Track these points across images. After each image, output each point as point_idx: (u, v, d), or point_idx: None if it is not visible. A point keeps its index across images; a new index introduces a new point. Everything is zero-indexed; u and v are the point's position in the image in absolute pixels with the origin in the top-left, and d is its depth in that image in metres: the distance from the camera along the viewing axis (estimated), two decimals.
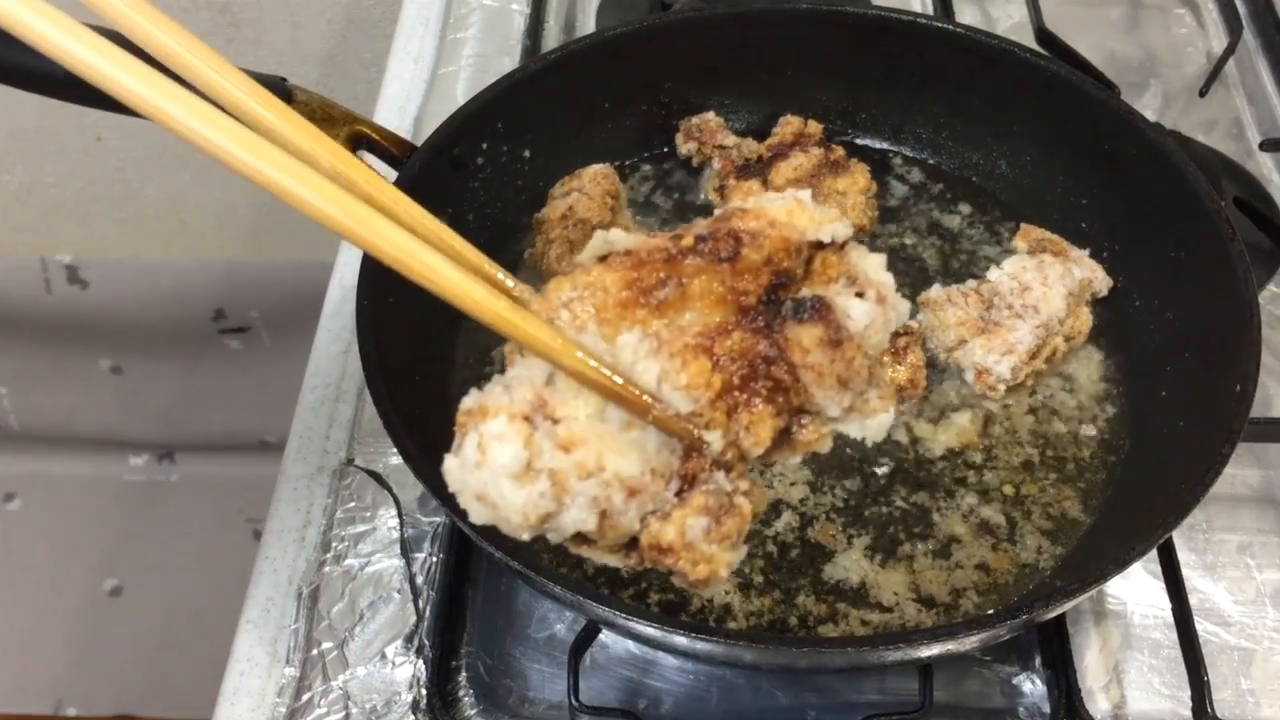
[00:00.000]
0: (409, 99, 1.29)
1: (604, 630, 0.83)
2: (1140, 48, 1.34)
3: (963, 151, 1.09)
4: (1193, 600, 0.86)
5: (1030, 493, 0.88)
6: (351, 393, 1.04)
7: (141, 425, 2.27)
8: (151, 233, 2.09)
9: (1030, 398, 0.94)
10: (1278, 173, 1.20)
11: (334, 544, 0.93)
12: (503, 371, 0.61)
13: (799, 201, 0.63)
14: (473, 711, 0.86)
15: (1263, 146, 1.21)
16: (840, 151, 1.05)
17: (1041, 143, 1.03)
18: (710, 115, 1.10)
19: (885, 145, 1.11)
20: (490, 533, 0.60)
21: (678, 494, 0.60)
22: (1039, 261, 0.97)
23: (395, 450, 0.84)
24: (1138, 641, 0.88)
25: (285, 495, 0.98)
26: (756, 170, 1.05)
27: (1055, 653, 0.85)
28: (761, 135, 1.09)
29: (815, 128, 1.07)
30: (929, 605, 0.83)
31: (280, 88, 0.89)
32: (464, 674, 0.87)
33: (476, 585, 0.92)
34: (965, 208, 1.07)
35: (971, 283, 0.98)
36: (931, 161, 1.10)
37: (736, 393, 0.60)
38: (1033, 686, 0.85)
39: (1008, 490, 0.89)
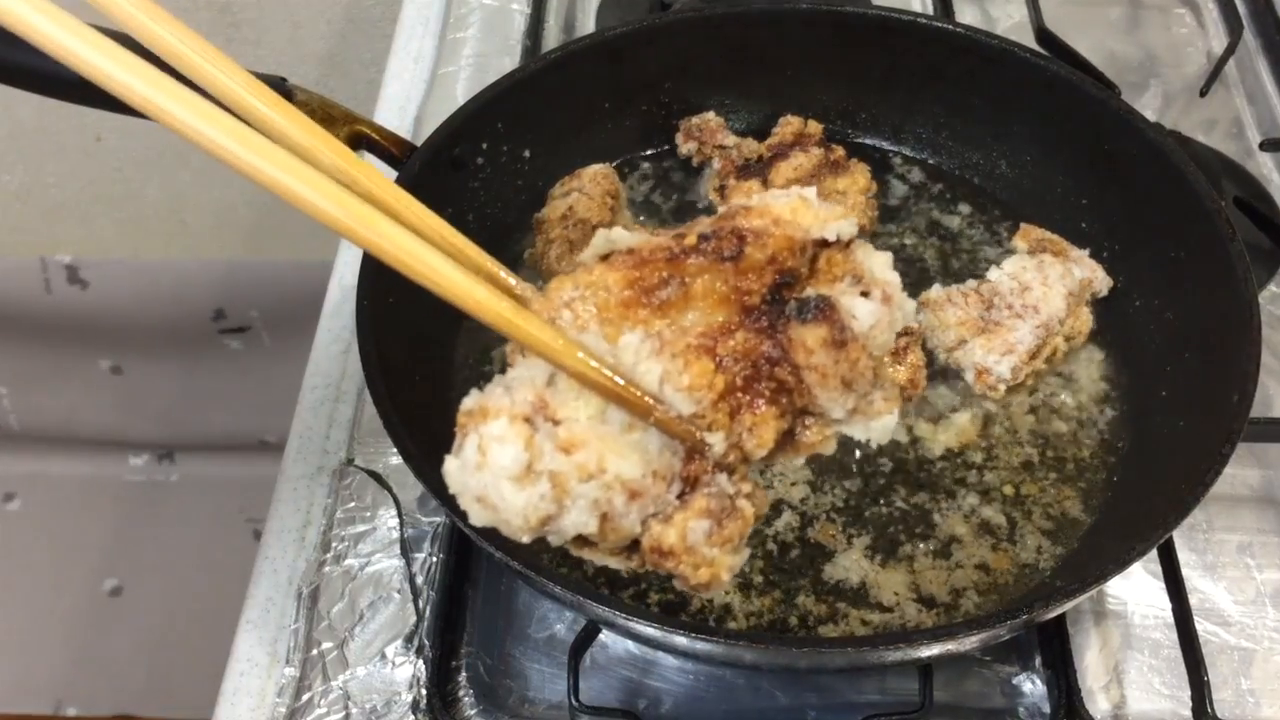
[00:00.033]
0: (409, 99, 1.29)
1: (604, 630, 0.83)
2: (1140, 48, 1.34)
3: (963, 151, 1.09)
4: (1193, 600, 0.86)
5: (1030, 493, 0.88)
6: (351, 393, 1.04)
7: (141, 425, 2.27)
8: (151, 233, 2.09)
9: (1030, 398, 0.94)
10: (1278, 173, 1.20)
11: (334, 544, 0.93)
12: (503, 371, 0.61)
13: (804, 199, 0.63)
14: (473, 711, 0.86)
15: (1263, 146, 1.21)
16: (840, 151, 1.05)
17: (1041, 143, 1.03)
18: (710, 115, 1.10)
19: (885, 145, 1.11)
20: (490, 533, 0.60)
21: (679, 496, 0.60)
22: (1039, 261, 0.97)
23: (395, 450, 0.84)
24: (1138, 641, 0.88)
25: (285, 495, 0.98)
26: (756, 170, 1.05)
27: (1055, 653, 0.85)
28: (761, 135, 1.09)
29: (815, 128, 1.07)
30: (929, 605, 0.83)
31: (280, 88, 0.89)
32: (464, 674, 0.87)
33: (476, 585, 0.92)
34: (965, 208, 1.07)
35: (971, 283, 0.98)
36: (931, 161, 1.10)
37: (739, 394, 0.59)
38: (1033, 686, 0.85)
39: (1008, 490, 0.89)
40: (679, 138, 1.10)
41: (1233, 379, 0.79)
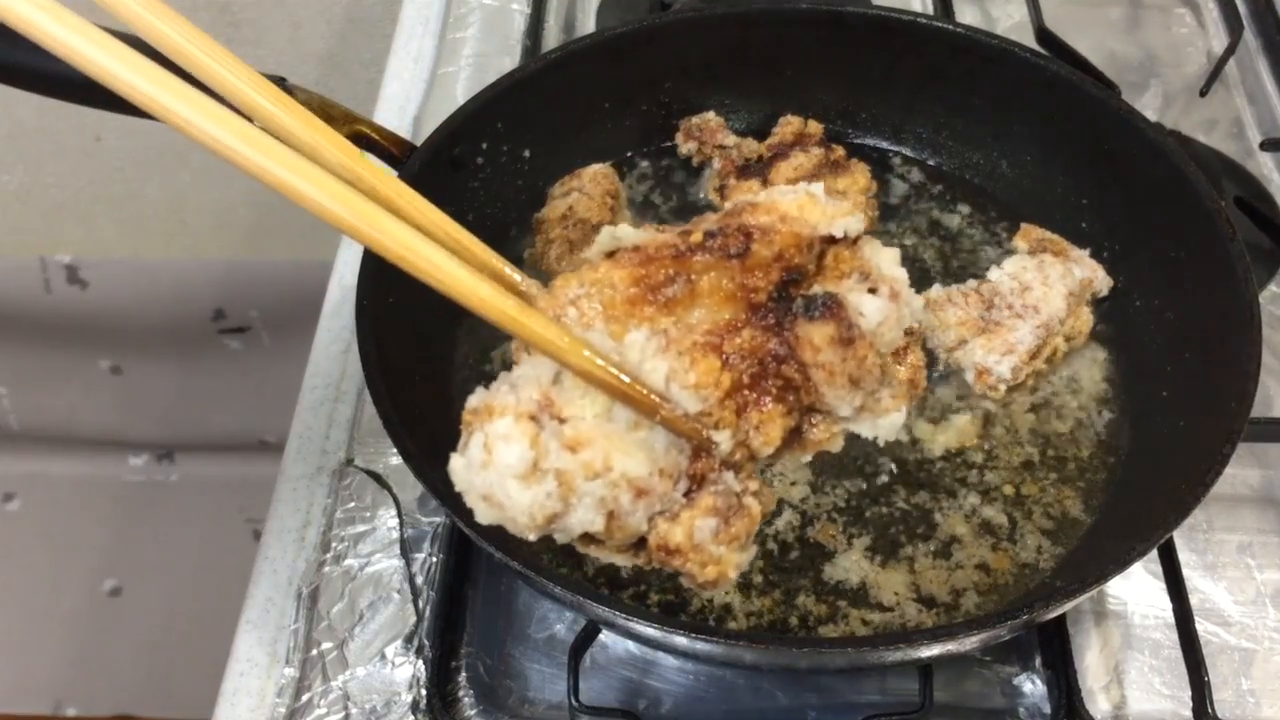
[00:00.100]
0: (409, 99, 1.29)
1: (604, 630, 0.83)
2: (1141, 47, 1.34)
3: (963, 151, 1.09)
4: (1193, 600, 0.86)
5: (1031, 493, 0.88)
6: (351, 393, 1.04)
7: (141, 425, 2.27)
8: (151, 232, 2.09)
9: (1031, 397, 0.94)
10: (1278, 173, 1.20)
11: (334, 544, 0.93)
12: (504, 370, 0.61)
13: (811, 195, 0.63)
14: (472, 712, 0.86)
15: (1263, 146, 1.21)
16: (840, 151, 1.05)
17: (1042, 143, 1.03)
18: (710, 115, 1.10)
19: (885, 145, 1.11)
20: (491, 532, 0.60)
21: (686, 494, 0.60)
22: (1039, 261, 0.97)
23: (395, 450, 0.84)
24: (1138, 641, 0.88)
25: (285, 495, 0.98)
26: (756, 170, 1.05)
27: (1056, 653, 0.85)
28: (761, 135, 1.09)
29: (815, 127, 1.07)
30: (929, 605, 0.83)
31: (280, 87, 0.89)
32: (464, 674, 0.87)
33: (476, 585, 0.92)
34: (965, 208, 1.07)
35: (972, 283, 0.98)
36: (931, 161, 1.10)
37: (746, 391, 0.59)
38: (1033, 687, 0.85)
39: (1008, 490, 0.89)
40: (679, 138, 1.10)
41: (1233, 379, 0.79)
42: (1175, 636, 0.84)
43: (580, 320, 0.59)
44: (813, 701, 0.85)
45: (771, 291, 0.60)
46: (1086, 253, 0.98)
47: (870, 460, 0.90)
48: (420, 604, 0.89)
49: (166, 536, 2.26)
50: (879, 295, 0.61)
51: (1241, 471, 0.97)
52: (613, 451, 0.57)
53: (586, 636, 0.82)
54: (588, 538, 0.60)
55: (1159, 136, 0.94)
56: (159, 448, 2.30)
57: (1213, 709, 0.80)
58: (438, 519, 0.94)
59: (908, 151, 1.11)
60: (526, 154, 1.03)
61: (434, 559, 0.92)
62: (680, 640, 0.71)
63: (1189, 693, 0.81)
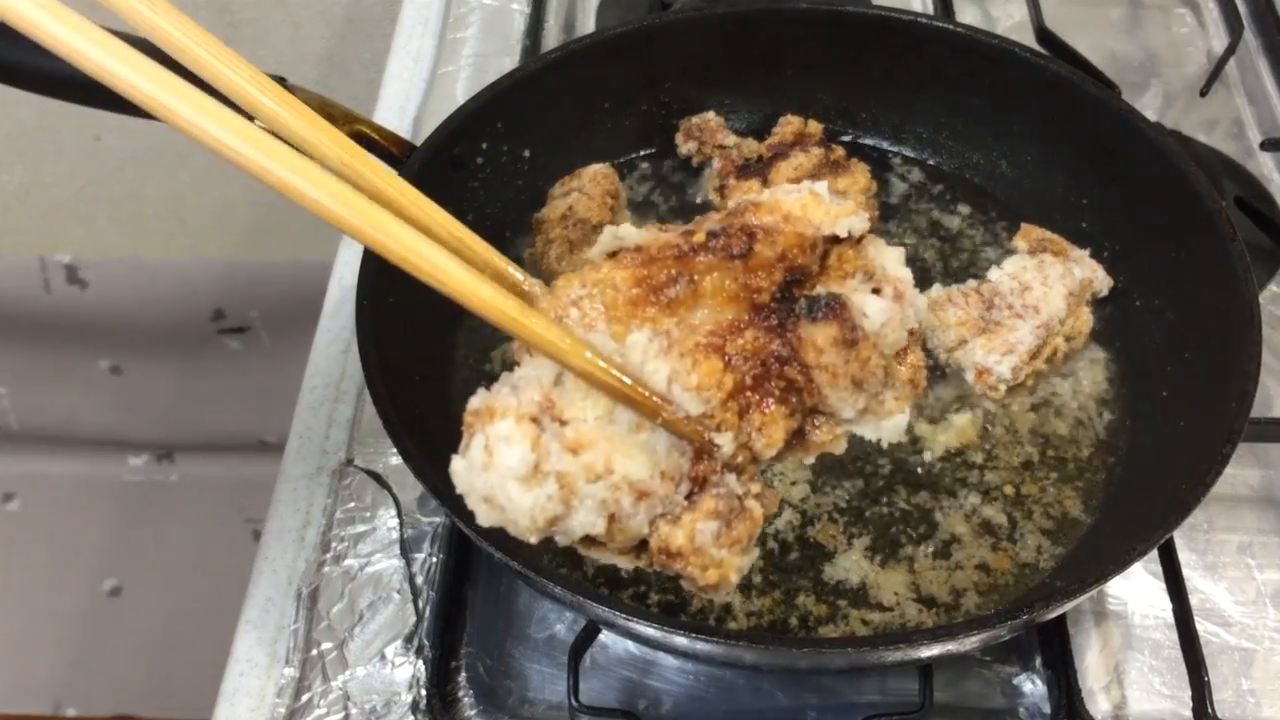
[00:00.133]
0: (408, 99, 1.29)
1: (604, 631, 0.83)
2: (1141, 47, 1.34)
3: (963, 151, 1.09)
4: (1193, 600, 0.86)
5: (1031, 493, 0.88)
6: (351, 393, 1.04)
7: (141, 425, 2.27)
8: (151, 232, 2.09)
9: (1031, 397, 0.94)
10: (1278, 172, 1.20)
11: (334, 544, 0.93)
12: (503, 370, 0.61)
13: (814, 194, 0.62)
14: (472, 712, 0.85)
15: (1263, 146, 1.21)
16: (840, 151, 1.05)
17: (1042, 142, 1.03)
18: (710, 115, 1.10)
19: (885, 145, 1.11)
20: (491, 533, 0.60)
21: (688, 497, 0.59)
22: (1039, 261, 0.97)
23: (395, 450, 0.84)
24: (1138, 642, 0.88)
25: (285, 495, 0.98)
26: (756, 170, 1.05)
27: (1056, 653, 0.85)
28: (761, 135, 1.08)
29: (815, 127, 1.07)
30: (929, 605, 0.83)
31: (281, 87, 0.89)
32: (464, 674, 0.87)
33: (476, 585, 0.92)
34: (965, 208, 1.07)
35: (972, 283, 0.98)
36: (932, 161, 1.10)
37: (749, 393, 0.59)
38: (1033, 687, 0.85)
39: (1008, 490, 0.89)
40: (679, 138, 1.10)
41: (1233, 379, 0.79)
42: (1175, 636, 0.84)
43: (582, 321, 0.59)
44: (813, 702, 0.85)
45: (774, 292, 0.60)
46: (1086, 253, 0.98)
47: (870, 460, 0.90)
48: (420, 604, 0.89)
49: (166, 536, 2.26)
50: (883, 296, 0.61)
51: (1242, 471, 0.97)
52: (614, 454, 0.56)
53: (586, 636, 0.82)
54: (589, 540, 0.60)
55: (1159, 136, 0.93)
56: (159, 448, 2.30)
57: (1213, 709, 0.80)
58: (438, 519, 0.94)
59: (908, 151, 1.11)
60: (526, 154, 1.03)
61: (434, 559, 0.92)
62: (680, 640, 0.71)
63: (1189, 693, 0.81)
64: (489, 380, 0.94)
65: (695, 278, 0.60)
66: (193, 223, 2.08)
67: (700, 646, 0.73)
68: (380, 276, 0.84)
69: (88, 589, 2.22)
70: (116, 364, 2.22)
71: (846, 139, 1.11)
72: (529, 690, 0.86)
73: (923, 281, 1.00)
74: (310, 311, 1.12)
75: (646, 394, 0.57)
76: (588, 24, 1.36)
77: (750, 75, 1.09)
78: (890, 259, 0.63)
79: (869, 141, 1.12)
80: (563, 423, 0.57)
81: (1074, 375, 0.95)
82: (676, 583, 0.63)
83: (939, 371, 0.95)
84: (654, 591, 0.83)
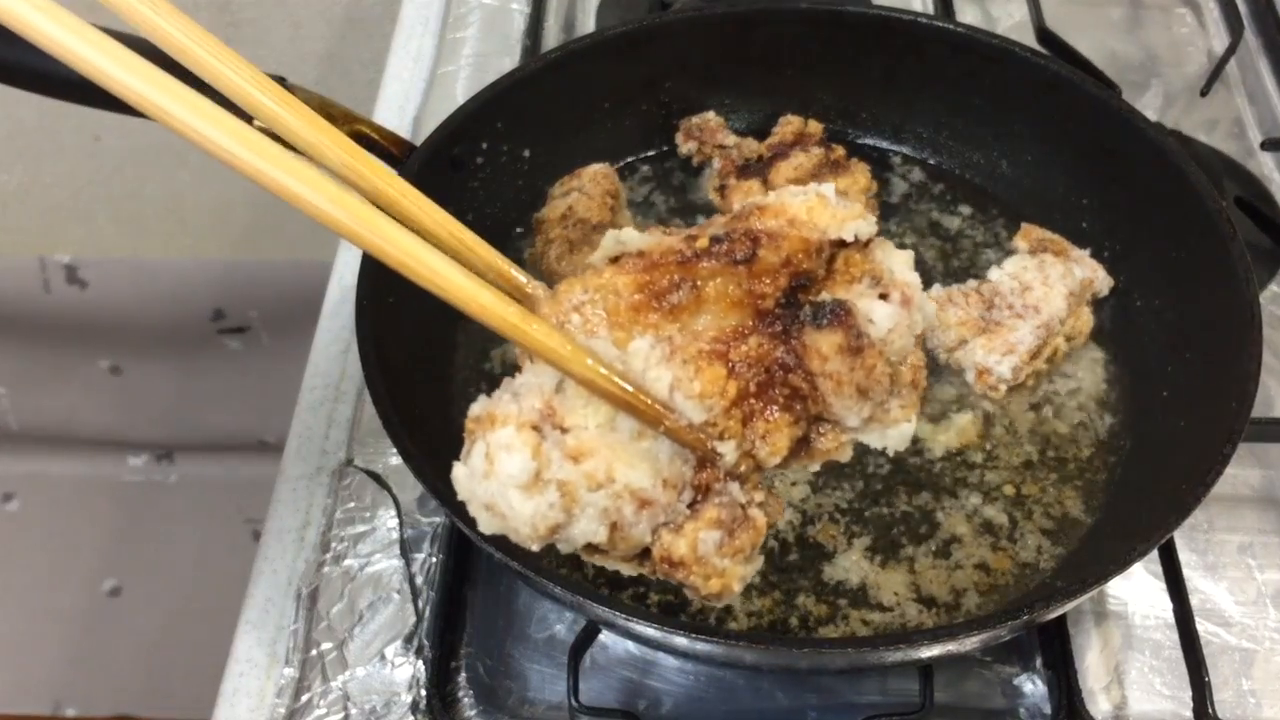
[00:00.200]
0: (408, 98, 1.29)
1: (604, 631, 0.83)
2: (1141, 47, 1.34)
3: (963, 151, 1.09)
4: (1194, 601, 0.86)
5: (1031, 493, 0.88)
6: (351, 393, 1.04)
7: (140, 425, 2.26)
8: (150, 232, 2.09)
9: (1031, 397, 0.94)
10: (1279, 172, 1.20)
11: (333, 544, 0.93)
12: (505, 372, 0.61)
13: (821, 197, 0.61)
14: (472, 712, 0.85)
15: (1264, 146, 1.21)
16: (840, 151, 1.05)
17: (1042, 142, 1.03)
18: (710, 115, 1.10)
19: (886, 145, 1.11)
20: (491, 535, 0.59)
21: (690, 505, 0.59)
22: (1040, 261, 0.97)
23: (395, 450, 0.83)
24: (1139, 642, 0.88)
25: (284, 496, 0.97)
26: (757, 170, 1.05)
27: (1056, 653, 0.85)
28: (762, 135, 1.08)
29: (815, 127, 1.07)
30: (929, 606, 0.83)
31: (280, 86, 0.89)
32: (463, 675, 0.87)
33: (476, 586, 0.91)
34: (966, 208, 1.07)
35: (972, 283, 0.98)
36: (932, 161, 1.10)
37: (752, 400, 0.58)
38: (1033, 687, 0.85)
39: (1008, 490, 0.89)
40: (679, 138, 1.10)
41: (1234, 379, 0.79)
42: (1176, 637, 0.84)
43: (584, 327, 0.59)
44: (813, 702, 0.85)
45: (779, 298, 0.59)
46: (1087, 252, 0.98)
47: (870, 460, 0.90)
48: (420, 604, 0.89)
49: (166, 536, 2.26)
50: (890, 301, 0.60)
51: (1242, 472, 0.97)
52: (616, 462, 0.56)
53: (586, 637, 0.82)
54: (591, 548, 0.59)
55: (1160, 136, 0.93)
56: (158, 448, 2.30)
57: (1213, 709, 0.80)
58: (437, 519, 0.94)
59: (908, 151, 1.11)
60: (526, 154, 1.03)
61: (434, 559, 0.92)
62: (680, 640, 0.71)
63: (1189, 693, 0.81)
64: (489, 380, 0.94)
65: (698, 283, 0.59)
66: (192, 223, 2.08)
67: (700, 647, 0.73)
68: (380, 276, 0.84)
69: (87, 589, 2.22)
70: (116, 364, 2.22)
71: (846, 139, 1.11)
72: (529, 690, 0.86)
73: (923, 281, 1.00)
74: (310, 311, 1.12)
75: (648, 402, 0.57)
76: (588, 24, 1.36)
77: (750, 75, 1.09)
78: (898, 263, 0.62)
79: (869, 141, 1.12)
80: (564, 430, 0.56)
81: (1074, 375, 0.95)
82: None
83: (939, 371, 0.95)
84: (654, 592, 0.83)
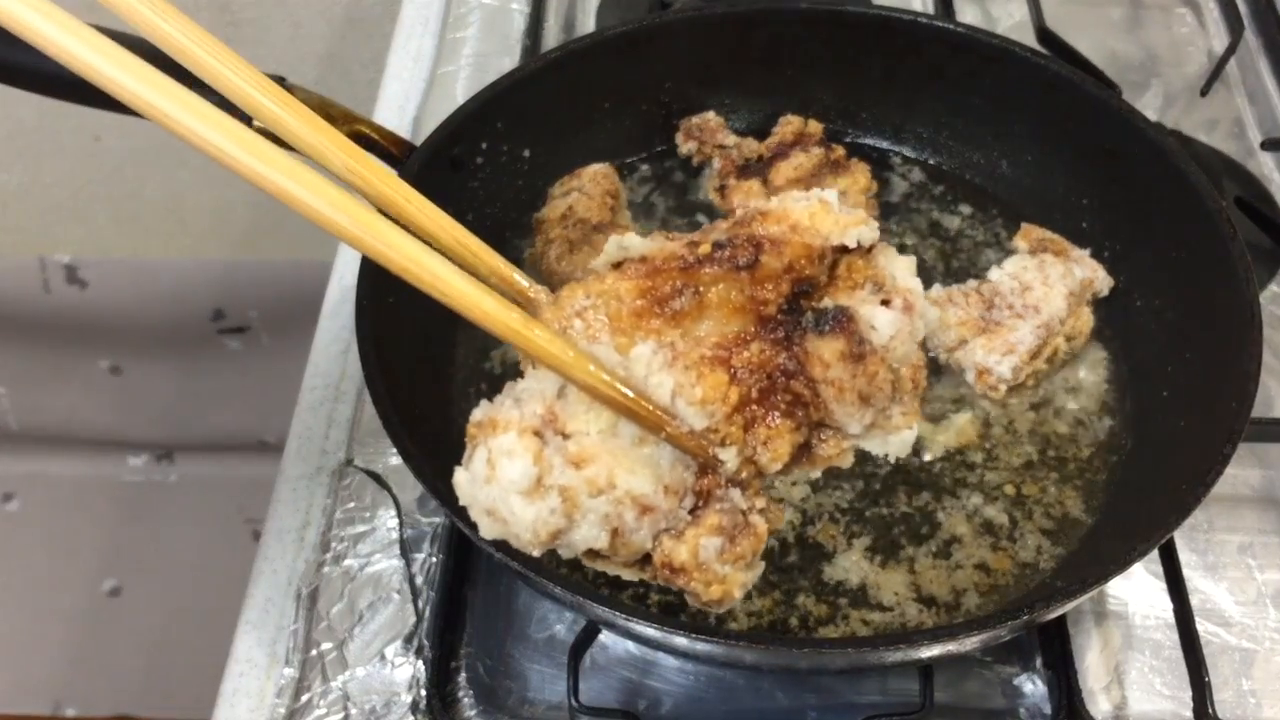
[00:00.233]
0: (408, 98, 1.29)
1: (604, 631, 0.83)
2: (1141, 47, 1.34)
3: (963, 151, 1.09)
4: (1194, 601, 0.86)
5: (1031, 493, 0.88)
6: (351, 393, 1.04)
7: (140, 425, 2.26)
8: (150, 232, 2.09)
9: (1031, 397, 0.94)
10: (1279, 172, 1.20)
11: (333, 544, 0.93)
12: (503, 371, 0.61)
13: (824, 203, 0.61)
14: (472, 712, 0.85)
15: (1264, 146, 1.21)
16: (840, 151, 1.05)
17: (1042, 142, 1.03)
18: (710, 115, 1.10)
19: (886, 145, 1.11)
20: (498, 541, 0.59)
21: (692, 511, 0.59)
22: (1040, 261, 0.97)
23: (395, 450, 0.83)
24: (1139, 642, 0.88)
25: (284, 496, 0.97)
26: (757, 170, 1.05)
27: (1056, 653, 0.85)
28: (762, 135, 1.08)
29: (816, 127, 1.07)
30: (930, 606, 0.83)
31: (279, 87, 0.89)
32: (463, 675, 0.87)
33: (476, 586, 0.91)
34: (966, 207, 1.07)
35: (972, 283, 0.98)
36: (932, 161, 1.10)
37: (754, 407, 0.58)
38: (1034, 687, 0.85)
39: (1008, 490, 0.88)
40: (679, 138, 1.09)
41: (1234, 379, 0.79)
42: (1176, 637, 0.84)
43: (586, 332, 0.59)
44: (813, 702, 0.85)
45: (781, 304, 0.59)
46: (1087, 252, 0.98)
47: (870, 460, 0.90)
48: (420, 604, 0.89)
49: (166, 536, 2.26)
50: (892, 307, 0.60)
51: (1242, 472, 0.97)
52: (617, 468, 0.56)
53: (586, 637, 0.82)
54: (593, 553, 0.59)
55: (1160, 136, 0.93)
56: (158, 448, 2.30)
57: (1213, 709, 0.80)
58: (437, 519, 0.94)
59: (908, 151, 1.11)
60: (526, 154, 1.03)
61: (434, 559, 0.92)
62: (680, 640, 0.71)
63: (1189, 693, 0.81)
64: (489, 380, 0.94)
65: (700, 289, 0.59)
66: (192, 223, 2.08)
67: (700, 647, 0.73)
68: (380, 276, 0.83)
69: (87, 589, 2.22)
70: (116, 364, 2.22)
71: (846, 139, 1.11)
72: (529, 690, 0.86)
73: (923, 281, 1.00)
74: (310, 311, 1.12)
75: (650, 408, 0.57)
76: (588, 24, 1.36)
77: (750, 75, 1.09)
78: (901, 268, 0.62)
79: (869, 141, 1.12)
80: (566, 436, 0.56)
81: (1074, 375, 0.95)
82: None
83: (939, 372, 0.95)
84: (654, 591, 0.83)
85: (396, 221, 0.54)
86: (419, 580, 0.91)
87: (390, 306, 0.83)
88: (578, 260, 0.95)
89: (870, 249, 0.62)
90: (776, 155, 1.05)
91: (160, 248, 2.11)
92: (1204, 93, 1.23)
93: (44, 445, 2.29)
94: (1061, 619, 0.86)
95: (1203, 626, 0.87)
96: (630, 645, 0.87)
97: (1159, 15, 1.37)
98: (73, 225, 2.07)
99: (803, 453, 0.61)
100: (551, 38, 1.35)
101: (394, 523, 0.94)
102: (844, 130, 1.11)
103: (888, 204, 1.07)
